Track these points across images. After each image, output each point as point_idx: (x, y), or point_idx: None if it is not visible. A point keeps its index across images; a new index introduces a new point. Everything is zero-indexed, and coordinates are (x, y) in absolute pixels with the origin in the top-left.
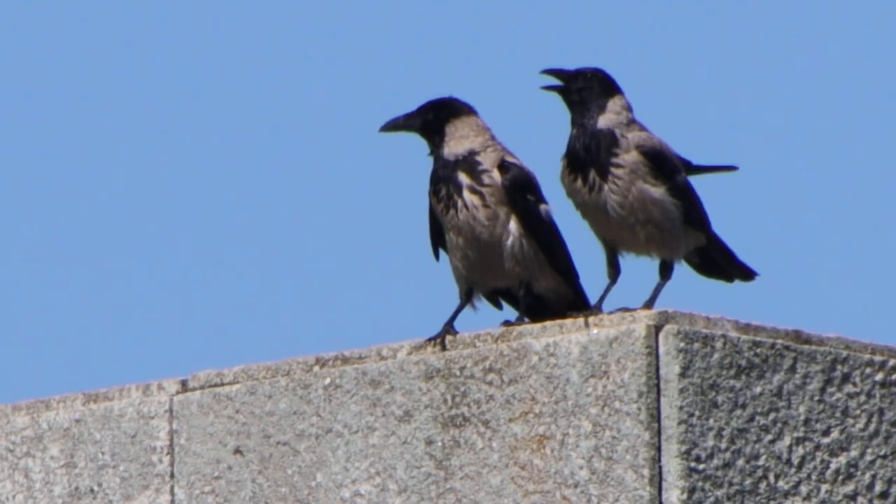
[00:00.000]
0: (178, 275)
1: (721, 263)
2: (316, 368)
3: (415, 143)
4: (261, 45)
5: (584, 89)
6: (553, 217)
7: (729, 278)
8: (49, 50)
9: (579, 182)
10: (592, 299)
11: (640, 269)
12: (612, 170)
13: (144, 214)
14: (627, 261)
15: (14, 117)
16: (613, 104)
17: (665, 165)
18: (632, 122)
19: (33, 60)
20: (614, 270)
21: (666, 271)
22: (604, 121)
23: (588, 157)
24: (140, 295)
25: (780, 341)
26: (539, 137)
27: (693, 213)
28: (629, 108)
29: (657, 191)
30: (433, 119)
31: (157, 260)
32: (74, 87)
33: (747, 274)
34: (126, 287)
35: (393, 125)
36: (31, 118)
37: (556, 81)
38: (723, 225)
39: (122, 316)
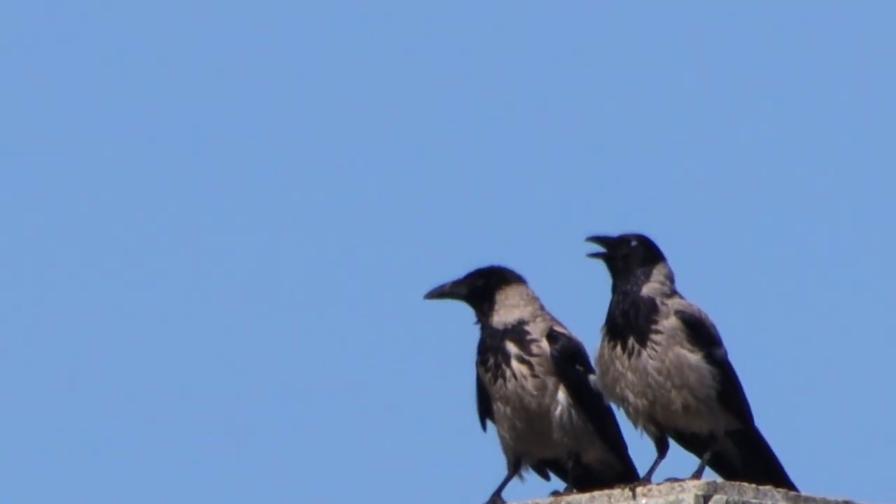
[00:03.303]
0: None
1: (764, 471)
2: None
3: (461, 311)
4: None
5: (629, 256)
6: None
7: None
8: (46, 50)
9: (619, 349)
10: (642, 472)
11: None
12: (652, 336)
13: None
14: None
15: None
16: (658, 273)
17: (703, 333)
18: (674, 293)
19: (31, 60)
20: (662, 446)
21: (711, 444)
22: (647, 289)
23: (627, 323)
24: None
25: None
26: (584, 308)
27: (730, 388)
28: (672, 278)
29: (694, 356)
30: (482, 286)
31: None
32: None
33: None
34: None
35: (439, 292)
36: None
37: (600, 248)
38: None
39: None
